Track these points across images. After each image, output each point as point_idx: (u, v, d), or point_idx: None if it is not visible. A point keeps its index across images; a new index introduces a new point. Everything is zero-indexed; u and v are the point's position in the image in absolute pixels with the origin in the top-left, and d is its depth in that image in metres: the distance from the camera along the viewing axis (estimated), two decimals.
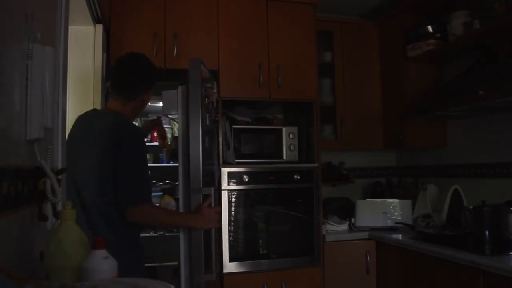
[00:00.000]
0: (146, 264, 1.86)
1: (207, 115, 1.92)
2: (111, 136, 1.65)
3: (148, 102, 1.89)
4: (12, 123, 1.03)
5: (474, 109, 2.54)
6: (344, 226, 2.99)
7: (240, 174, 2.68)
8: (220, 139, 2.65)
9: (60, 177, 1.24)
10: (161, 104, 2.15)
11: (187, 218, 1.72)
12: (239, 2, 2.79)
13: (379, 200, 3.11)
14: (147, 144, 2.10)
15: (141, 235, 1.83)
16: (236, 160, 2.73)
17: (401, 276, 2.64)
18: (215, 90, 2.17)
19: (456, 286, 2.17)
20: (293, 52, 2.86)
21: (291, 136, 2.90)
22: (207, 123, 1.90)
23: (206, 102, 1.90)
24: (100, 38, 2.35)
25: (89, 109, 1.93)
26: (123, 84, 1.80)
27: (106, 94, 2.42)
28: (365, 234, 2.91)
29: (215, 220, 1.77)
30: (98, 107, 2.32)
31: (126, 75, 1.81)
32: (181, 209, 1.82)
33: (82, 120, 1.81)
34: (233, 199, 2.67)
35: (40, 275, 1.09)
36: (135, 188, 1.61)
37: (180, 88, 1.81)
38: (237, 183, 2.67)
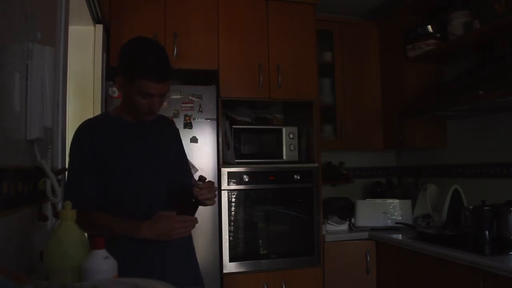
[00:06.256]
0: None
1: None
2: None
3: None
4: (12, 123, 1.03)
5: (474, 109, 2.54)
6: (344, 226, 2.99)
7: (240, 174, 2.68)
8: (220, 139, 2.65)
9: (60, 177, 1.24)
10: None
11: (132, 228, 1.35)
12: (239, 2, 2.79)
13: (379, 200, 3.10)
14: None
15: None
16: (236, 160, 2.73)
17: (401, 276, 2.64)
18: None
19: (456, 286, 2.16)
20: (293, 52, 2.86)
21: (291, 136, 2.89)
22: None
23: None
24: (100, 38, 2.35)
25: (88, 109, 1.92)
26: None
27: (106, 94, 2.42)
28: (365, 234, 2.91)
29: (169, 231, 1.33)
30: (98, 107, 2.32)
31: None
32: None
33: None
34: (233, 199, 2.67)
35: (40, 275, 1.09)
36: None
37: None
38: (237, 183, 2.67)
